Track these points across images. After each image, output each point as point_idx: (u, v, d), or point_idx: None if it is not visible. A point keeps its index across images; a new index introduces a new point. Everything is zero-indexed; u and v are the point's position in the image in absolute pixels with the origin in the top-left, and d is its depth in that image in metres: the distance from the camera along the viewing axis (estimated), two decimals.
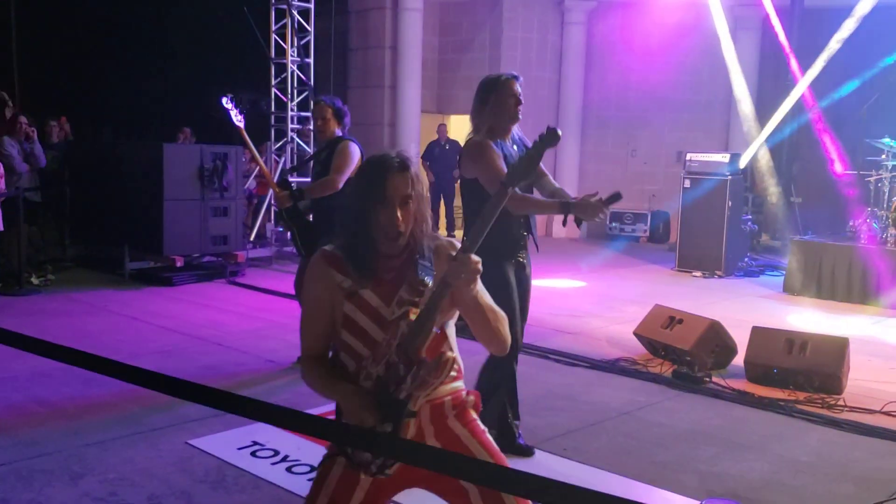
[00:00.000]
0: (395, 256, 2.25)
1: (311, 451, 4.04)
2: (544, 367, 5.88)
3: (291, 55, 11.03)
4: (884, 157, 8.98)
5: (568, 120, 14.03)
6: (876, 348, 6.54)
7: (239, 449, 4.11)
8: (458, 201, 14.40)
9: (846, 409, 4.94)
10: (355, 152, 5.77)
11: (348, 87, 14.16)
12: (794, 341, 5.40)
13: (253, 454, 4.06)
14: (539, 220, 15.19)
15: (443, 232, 13.67)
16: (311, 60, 11.16)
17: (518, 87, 4.10)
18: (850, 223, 9.47)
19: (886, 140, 8.98)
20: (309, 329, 2.33)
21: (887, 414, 4.87)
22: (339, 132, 5.93)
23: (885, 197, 8.91)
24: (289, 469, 3.90)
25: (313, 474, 3.79)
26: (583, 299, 8.14)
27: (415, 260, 2.22)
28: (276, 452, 4.07)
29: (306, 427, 2.18)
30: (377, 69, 13.65)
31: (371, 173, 2.24)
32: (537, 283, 9.34)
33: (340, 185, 5.59)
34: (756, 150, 11.06)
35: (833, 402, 5.02)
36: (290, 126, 11.05)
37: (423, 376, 2.09)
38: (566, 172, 14.09)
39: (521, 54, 13.56)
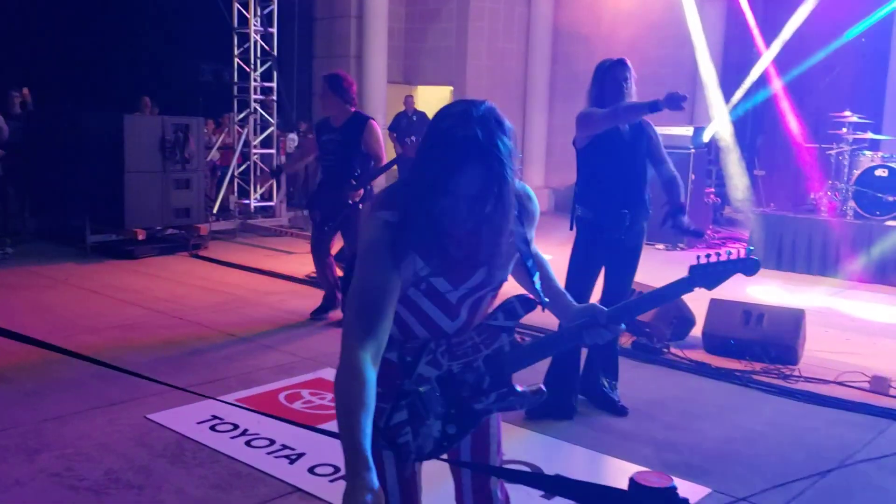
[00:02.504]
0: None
1: (271, 426, 4.03)
2: None
3: (255, 24, 10.85)
4: (844, 130, 9.09)
5: (535, 92, 14.02)
6: (833, 320, 6.67)
7: (198, 423, 4.10)
8: None
9: (801, 379, 5.04)
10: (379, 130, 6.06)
11: (313, 57, 13.99)
12: (751, 313, 5.48)
13: (212, 428, 4.05)
14: None
15: None
16: (274, 30, 10.99)
17: None
18: (811, 196, 9.61)
19: (847, 113, 9.09)
20: (375, 311, 1.78)
21: (841, 384, 4.98)
22: (351, 108, 5.95)
23: (846, 170, 9.03)
24: (248, 443, 3.89)
25: (272, 447, 3.83)
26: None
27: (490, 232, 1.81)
28: (236, 426, 4.06)
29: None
30: (342, 39, 13.49)
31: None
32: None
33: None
34: (719, 124, 11.14)
35: (788, 373, 5.12)
36: (253, 97, 10.89)
37: (512, 403, 1.99)
38: (534, 146, 14.11)
39: (488, 25, 13.47)
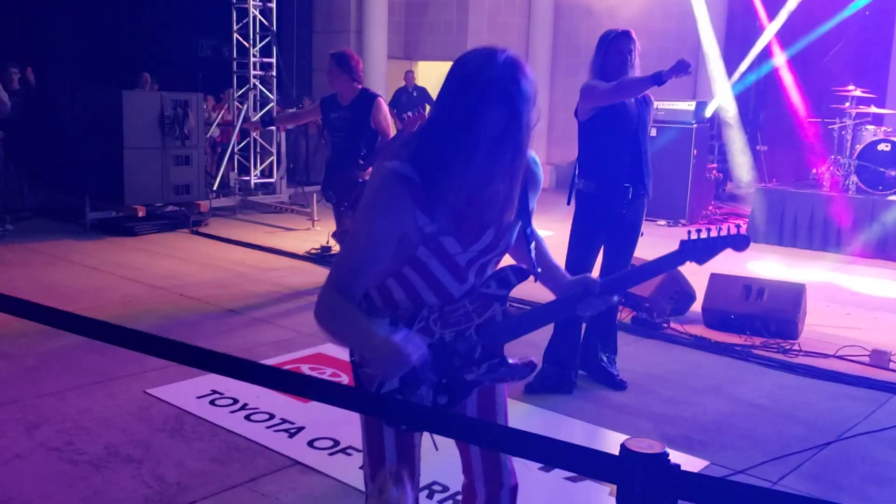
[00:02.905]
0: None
1: (270, 400, 4.04)
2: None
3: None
4: (847, 104, 9.03)
5: (537, 67, 13.90)
6: (833, 294, 6.66)
7: (198, 398, 4.11)
8: None
9: (801, 353, 5.04)
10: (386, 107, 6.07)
11: (313, 32, 13.90)
12: (751, 287, 5.48)
13: (212, 403, 4.06)
14: None
15: None
16: (273, 5, 10.89)
17: None
18: (813, 171, 9.56)
19: (850, 87, 9.03)
20: (365, 265, 1.81)
21: (841, 358, 4.98)
22: (358, 86, 5.98)
23: (848, 145, 8.98)
24: (247, 417, 3.91)
25: (272, 422, 3.84)
26: (550, 247, 8.18)
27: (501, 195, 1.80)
28: (235, 401, 4.07)
29: (265, 379, 2.17)
30: (342, 13, 13.39)
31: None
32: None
33: None
34: (722, 99, 11.07)
35: (788, 347, 5.12)
36: (252, 72, 10.82)
37: (503, 375, 1.97)
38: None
39: None
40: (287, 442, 3.66)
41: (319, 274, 7.05)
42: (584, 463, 1.28)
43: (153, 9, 15.32)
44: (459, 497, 3.24)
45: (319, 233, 8.55)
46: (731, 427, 4.01)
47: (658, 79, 3.96)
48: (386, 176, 1.78)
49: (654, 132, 10.19)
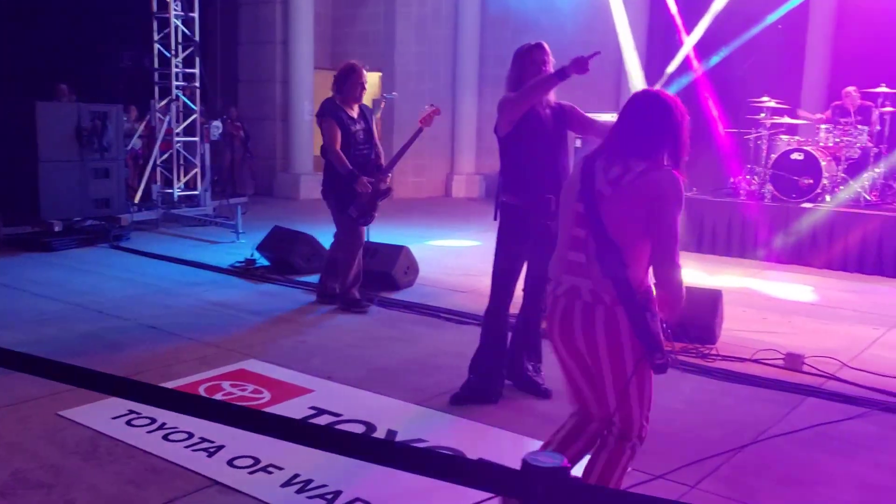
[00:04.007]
0: None
1: (190, 418, 3.92)
2: (435, 325, 5.92)
3: (175, 9, 10.55)
4: (762, 115, 9.35)
5: (465, 78, 14.03)
6: (750, 299, 6.87)
7: (114, 418, 3.98)
8: None
9: (719, 357, 5.17)
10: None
11: (238, 43, 13.73)
12: None
13: (128, 423, 3.94)
14: (439, 178, 15.12)
15: None
16: (196, 15, 10.71)
17: None
18: (731, 180, 9.86)
19: (765, 99, 9.35)
20: None
21: (756, 362, 5.12)
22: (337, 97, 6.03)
23: (764, 154, 9.30)
24: (165, 437, 3.80)
25: (191, 441, 3.75)
26: (477, 258, 8.19)
27: None
28: (153, 420, 3.96)
29: (177, 405, 2.12)
30: (268, 24, 13.26)
31: None
32: (433, 242, 9.35)
33: None
34: None
35: (707, 352, 5.24)
36: (174, 83, 10.61)
37: None
38: (464, 132, 14.13)
39: (416, 11, 13.41)
40: (206, 461, 3.58)
41: (243, 287, 6.94)
42: (486, 479, 1.27)
43: (70, 19, 14.90)
44: (328, 492, 3.25)
45: (244, 246, 8.41)
46: (651, 432, 4.02)
47: (561, 73, 4.01)
48: (679, 179, 2.65)
49: (578, 143, 10.37)
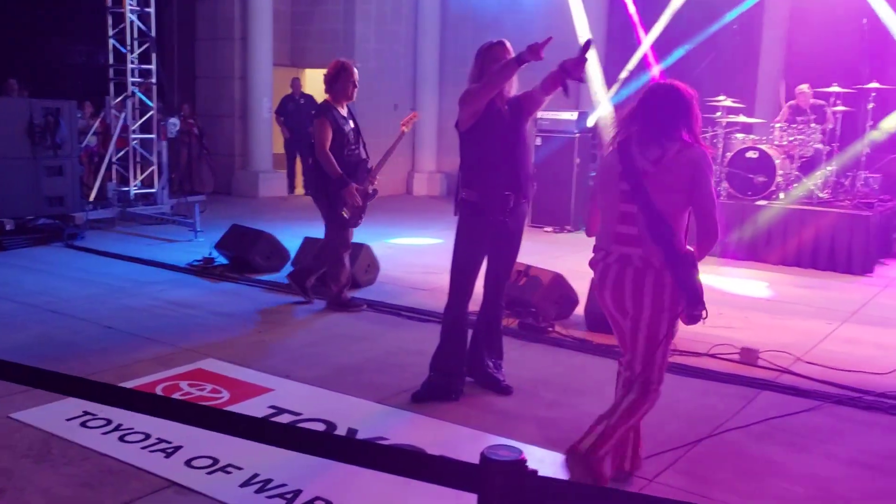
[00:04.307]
0: None
1: (146, 419, 3.85)
2: (396, 324, 5.91)
3: (130, 4, 10.37)
4: (718, 114, 9.49)
5: (425, 75, 14.02)
6: (706, 295, 6.92)
7: (68, 420, 3.90)
8: None
9: (676, 352, 5.23)
10: None
11: (196, 39, 13.55)
12: None
13: (83, 424, 3.87)
14: (400, 176, 15.09)
15: (300, 191, 13.42)
16: (152, 10, 10.54)
17: None
18: None
19: (721, 98, 9.49)
20: None
21: (713, 356, 5.21)
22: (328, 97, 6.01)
23: (720, 152, 9.44)
24: (121, 438, 3.74)
25: (147, 442, 3.69)
26: (438, 256, 8.20)
27: None
28: (109, 421, 3.89)
29: (131, 404, 2.09)
30: (226, 20, 13.11)
31: None
32: (394, 240, 9.32)
33: None
34: (602, 109, 11.42)
35: None
36: (130, 80, 10.43)
37: None
38: (425, 130, 14.12)
39: (375, 8, 13.37)
40: (163, 462, 3.53)
41: (201, 286, 6.86)
42: (444, 473, 1.28)
43: (20, 13, 14.56)
44: (288, 492, 3.26)
45: (202, 244, 8.31)
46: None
47: (518, 59, 4.04)
48: (707, 153, 3.23)
49: (538, 141, 10.44)
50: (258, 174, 12.90)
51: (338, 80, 5.95)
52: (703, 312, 3.25)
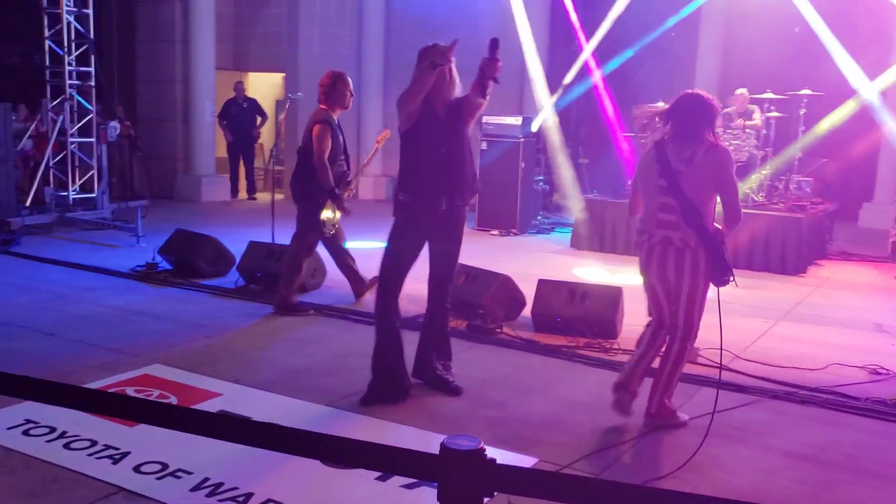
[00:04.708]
0: None
1: (92, 426, 3.83)
2: (345, 327, 5.92)
3: (67, 5, 10.15)
4: (657, 119, 9.70)
5: (370, 80, 14.01)
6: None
7: (9, 429, 3.82)
8: (258, 162, 14.02)
9: (620, 351, 5.37)
10: None
11: (136, 42, 13.32)
12: (575, 292, 5.78)
13: (25, 433, 3.79)
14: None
15: (243, 196, 13.28)
16: (90, 11, 10.33)
17: None
18: (629, 182, 10.20)
19: (660, 103, 9.72)
20: None
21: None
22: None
23: None
24: (66, 445, 3.68)
25: (94, 448, 3.65)
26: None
27: None
28: (53, 429, 3.82)
29: (85, 404, 2.07)
30: (167, 22, 12.92)
31: None
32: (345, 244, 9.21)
33: None
34: (546, 114, 11.60)
35: (609, 346, 5.44)
36: (68, 82, 10.20)
37: None
38: (369, 133, 14.09)
39: (320, 11, 13.32)
40: (111, 469, 3.48)
41: (145, 292, 6.76)
42: (406, 463, 1.32)
43: None
44: (240, 494, 3.26)
45: (145, 250, 8.18)
46: (559, 424, 4.21)
47: (432, 65, 4.13)
48: (728, 151, 4.05)
49: (484, 145, 10.55)
50: (201, 178, 12.73)
51: (335, 89, 5.97)
52: (732, 278, 3.94)
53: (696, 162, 3.94)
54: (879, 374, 5.09)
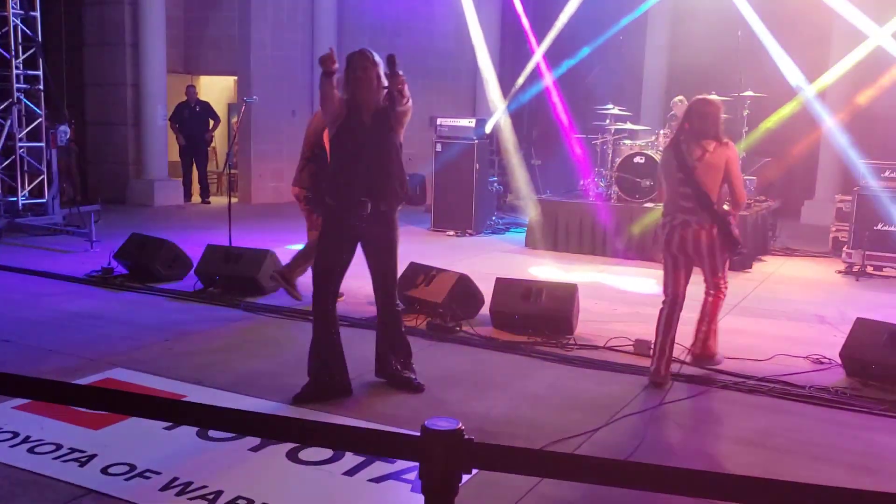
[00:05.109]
0: None
1: (57, 430, 3.85)
2: (302, 328, 5.95)
3: (13, 7, 9.98)
4: (607, 121, 9.96)
5: None
6: (602, 292, 7.33)
7: None
8: (211, 165, 13.94)
9: (576, 346, 5.53)
10: None
11: (84, 45, 13.13)
12: (531, 289, 5.92)
13: None
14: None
15: (196, 199, 13.19)
16: (37, 14, 10.17)
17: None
18: (581, 182, 10.43)
19: (609, 106, 9.96)
20: None
21: (610, 349, 5.52)
22: None
23: (609, 158, 9.90)
24: (31, 450, 3.68)
25: (60, 452, 3.67)
26: None
27: None
28: (16, 434, 3.82)
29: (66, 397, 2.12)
30: (116, 25, 12.76)
31: None
32: (294, 246, 9.30)
33: None
34: (499, 116, 11.77)
35: (565, 342, 5.59)
36: (15, 85, 10.03)
37: None
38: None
39: (272, 14, 13.29)
40: (78, 471, 3.51)
41: (102, 297, 6.72)
42: (389, 445, 1.41)
43: None
44: (210, 493, 3.32)
45: (99, 255, 8.10)
46: (519, 418, 4.34)
47: (325, 73, 4.27)
48: (733, 146, 4.97)
49: (439, 147, 10.67)
50: (153, 182, 12.61)
51: None
52: (743, 248, 5.09)
53: (706, 158, 4.81)
54: (822, 363, 5.34)
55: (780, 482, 1.39)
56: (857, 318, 5.24)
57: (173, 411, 1.81)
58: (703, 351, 5.16)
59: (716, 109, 4.89)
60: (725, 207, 4.97)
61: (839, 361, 5.20)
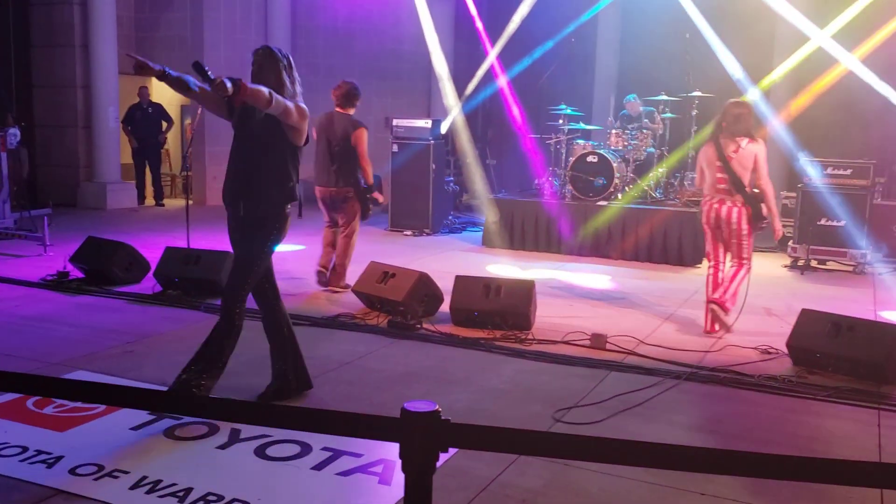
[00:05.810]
0: None
1: (21, 433, 3.85)
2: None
3: None
4: (561, 122, 10.14)
5: None
6: (558, 289, 7.50)
7: None
8: (164, 167, 13.80)
9: (535, 341, 5.67)
10: None
11: (32, 46, 12.90)
12: (490, 286, 6.04)
13: None
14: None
15: (150, 202, 13.06)
16: None
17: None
18: (536, 181, 10.61)
19: (562, 106, 10.15)
20: None
21: (567, 343, 5.67)
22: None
23: (563, 157, 10.09)
24: None
25: (26, 454, 3.68)
26: (302, 262, 8.29)
27: None
28: None
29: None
30: (65, 26, 12.57)
31: None
32: None
33: None
34: (454, 117, 11.89)
35: (524, 337, 5.73)
36: None
37: None
38: None
39: (224, 15, 13.22)
40: (45, 472, 3.52)
41: (58, 301, 6.65)
42: (368, 427, 1.50)
43: None
44: (179, 490, 3.37)
45: (53, 259, 8.01)
46: (480, 412, 4.44)
47: (197, 71, 4.17)
48: (763, 142, 6.27)
49: (395, 148, 10.75)
50: (106, 185, 12.45)
51: (358, 97, 7.05)
52: (764, 223, 5.96)
53: (740, 152, 5.91)
54: (770, 353, 5.56)
55: (728, 451, 1.51)
56: (803, 310, 5.47)
57: (154, 401, 1.87)
58: (723, 305, 6.00)
59: (747, 111, 6.04)
60: (755, 191, 5.96)
61: (786, 351, 5.42)
